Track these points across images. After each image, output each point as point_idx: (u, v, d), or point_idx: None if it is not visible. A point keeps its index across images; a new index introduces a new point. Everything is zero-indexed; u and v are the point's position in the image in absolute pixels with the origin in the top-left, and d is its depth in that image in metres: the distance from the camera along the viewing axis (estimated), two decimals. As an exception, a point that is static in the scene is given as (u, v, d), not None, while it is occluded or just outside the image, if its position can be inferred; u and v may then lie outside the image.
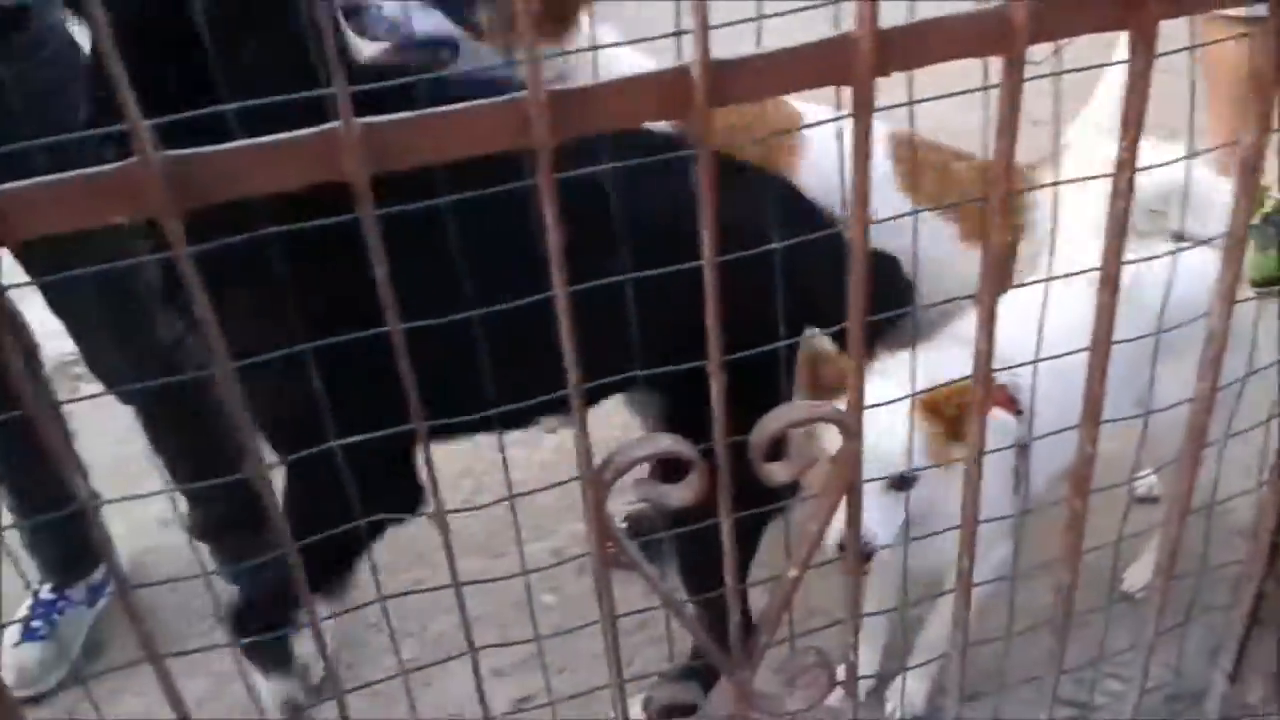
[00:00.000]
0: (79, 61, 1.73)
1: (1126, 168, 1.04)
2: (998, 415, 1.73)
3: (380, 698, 1.75)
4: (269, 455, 1.63)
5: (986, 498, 1.14)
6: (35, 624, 2.16)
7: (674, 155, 1.27)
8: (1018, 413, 1.73)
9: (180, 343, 1.91)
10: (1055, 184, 1.40)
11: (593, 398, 1.33)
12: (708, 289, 0.94)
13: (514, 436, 1.43)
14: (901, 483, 1.55)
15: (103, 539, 0.83)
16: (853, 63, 0.86)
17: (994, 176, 1.00)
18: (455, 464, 2.39)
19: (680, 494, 1.05)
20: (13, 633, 2.18)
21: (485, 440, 1.27)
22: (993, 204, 1.02)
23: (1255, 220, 3.06)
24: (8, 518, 2.16)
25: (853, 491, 1.13)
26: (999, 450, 1.37)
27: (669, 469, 1.04)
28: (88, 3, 0.61)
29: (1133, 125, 1.03)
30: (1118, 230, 1.12)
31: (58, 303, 1.94)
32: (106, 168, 0.65)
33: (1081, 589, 1.48)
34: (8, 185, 0.65)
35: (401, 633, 2.12)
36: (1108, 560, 1.59)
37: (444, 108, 0.77)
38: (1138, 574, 2.00)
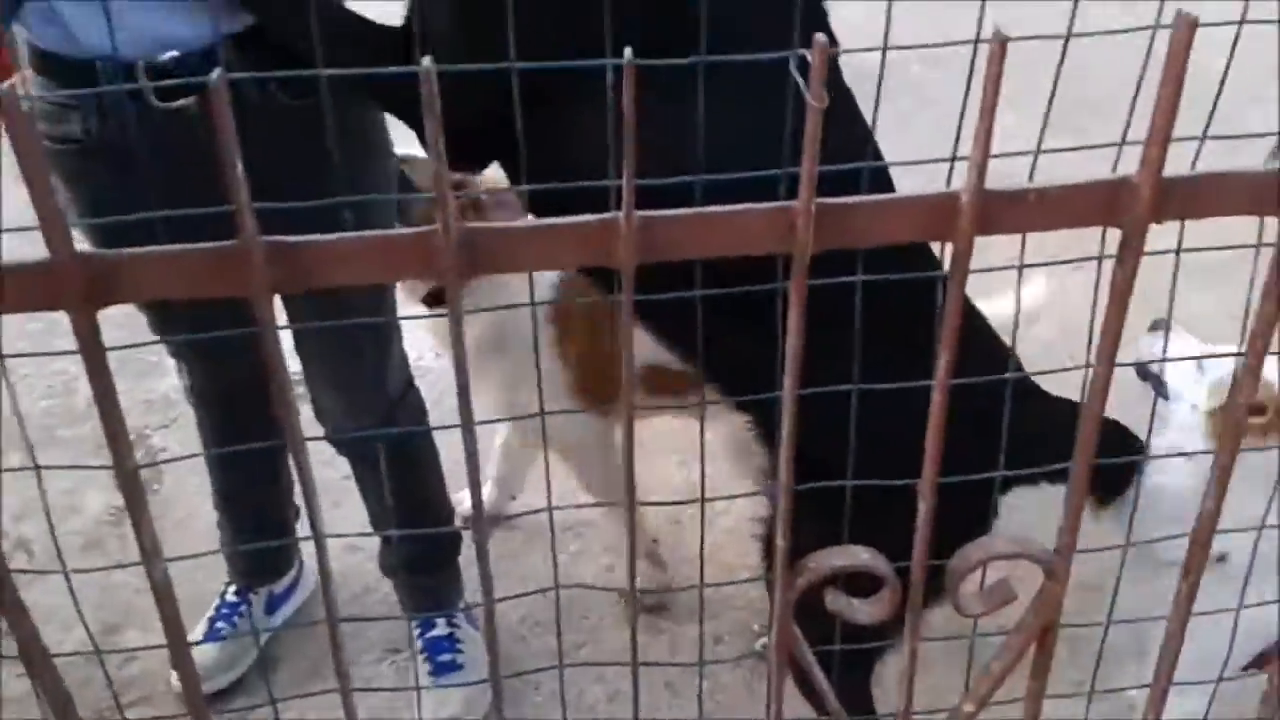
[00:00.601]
0: None
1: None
2: None
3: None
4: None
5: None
6: (218, 625, 2.25)
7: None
8: None
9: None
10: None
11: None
12: (934, 408, 0.93)
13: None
14: None
15: (325, 572, 0.86)
16: (1129, 205, 0.84)
17: None
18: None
19: (871, 610, 1.03)
20: (197, 630, 2.27)
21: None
22: None
23: None
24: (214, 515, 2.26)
25: (1048, 633, 1.09)
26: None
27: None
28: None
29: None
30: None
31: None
32: (405, 232, 0.69)
33: None
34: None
35: (553, 693, 2.14)
36: None
37: (713, 209, 0.79)
38: None
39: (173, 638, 0.86)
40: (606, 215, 0.75)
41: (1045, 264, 1.21)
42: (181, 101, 1.63)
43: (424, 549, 2.08)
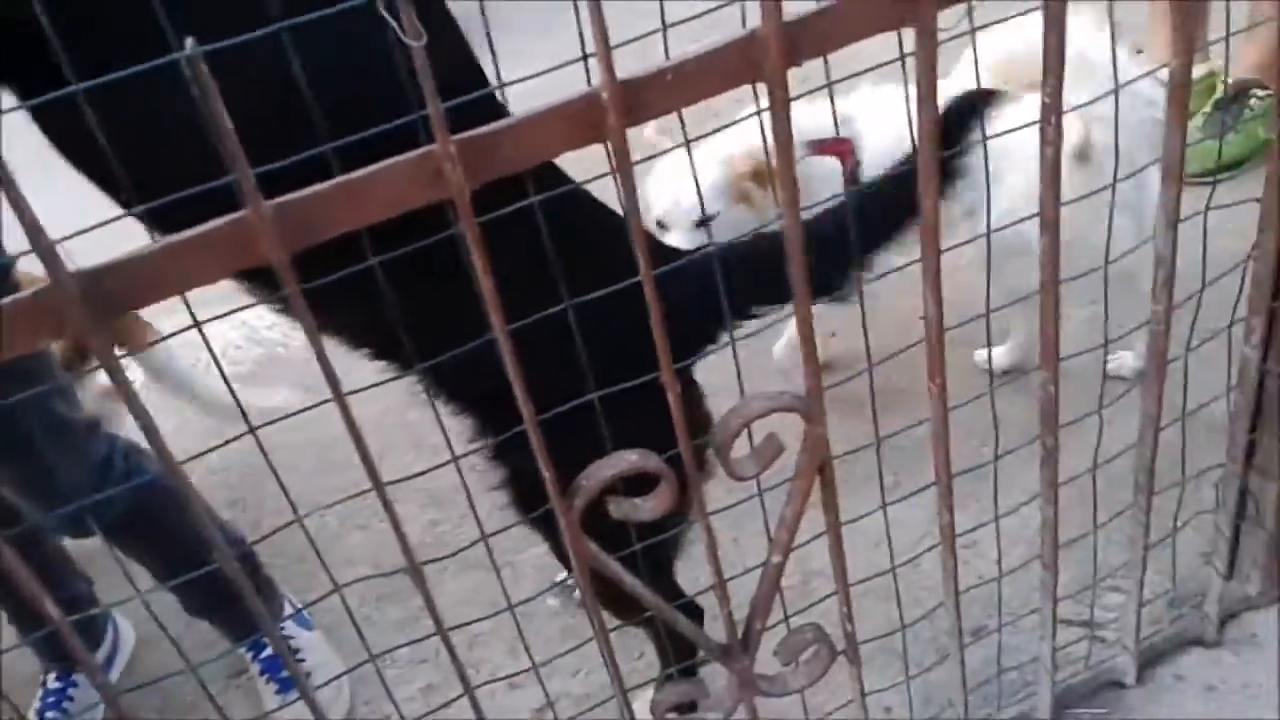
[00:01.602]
0: None
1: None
2: (825, 161, 2.17)
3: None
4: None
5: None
6: (49, 715, 2.15)
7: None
8: (855, 163, 2.17)
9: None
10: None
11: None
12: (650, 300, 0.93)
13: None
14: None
15: (88, 663, 0.82)
16: (763, 58, 0.85)
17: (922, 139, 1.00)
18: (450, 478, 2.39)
19: (652, 506, 1.05)
20: (30, 721, 2.16)
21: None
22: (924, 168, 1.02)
23: (1206, 109, 3.04)
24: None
25: (825, 471, 1.13)
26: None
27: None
28: None
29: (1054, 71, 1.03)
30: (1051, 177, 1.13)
31: None
32: (24, 295, 0.65)
33: (1067, 509, 1.50)
34: None
35: (414, 660, 2.13)
36: (1091, 478, 1.60)
37: (352, 176, 0.76)
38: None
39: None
40: (238, 215, 0.71)
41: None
42: None
43: (212, 590, 2.00)
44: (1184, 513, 1.81)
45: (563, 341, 1.14)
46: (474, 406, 1.41)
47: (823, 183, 2.11)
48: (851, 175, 2.20)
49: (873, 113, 2.20)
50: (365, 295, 1.03)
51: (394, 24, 0.74)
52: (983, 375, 2.40)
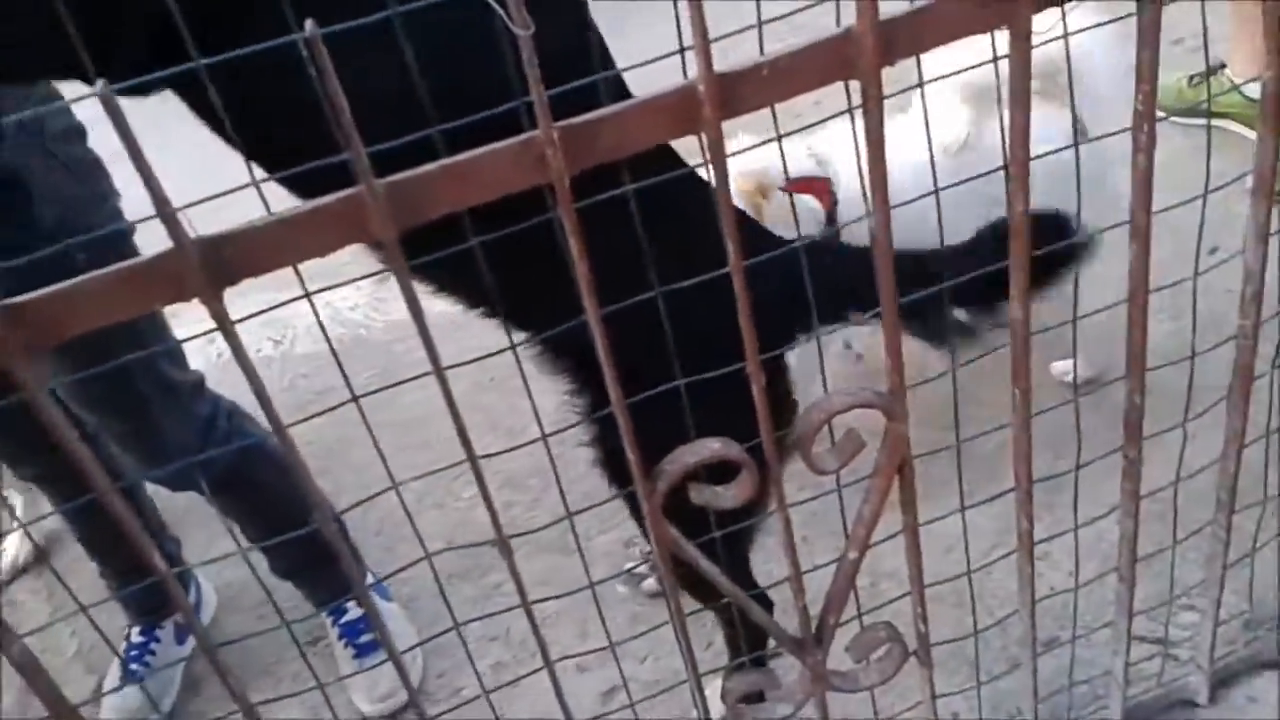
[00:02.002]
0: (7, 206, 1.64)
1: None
2: (802, 199, 2.15)
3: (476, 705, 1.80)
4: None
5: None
6: (133, 668, 2.22)
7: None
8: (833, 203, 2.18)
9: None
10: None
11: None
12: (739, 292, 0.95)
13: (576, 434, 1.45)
14: None
15: (186, 609, 0.86)
16: (858, 56, 0.86)
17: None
18: (524, 462, 2.43)
19: (733, 494, 1.07)
20: (112, 678, 2.24)
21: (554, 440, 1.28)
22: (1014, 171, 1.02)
23: None
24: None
25: (905, 470, 1.14)
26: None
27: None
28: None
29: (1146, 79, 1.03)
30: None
31: None
32: (149, 259, 0.68)
33: (1145, 523, 1.49)
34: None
35: (485, 637, 2.17)
36: (1170, 495, 1.59)
37: (458, 159, 0.78)
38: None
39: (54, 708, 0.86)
40: (351, 191, 0.74)
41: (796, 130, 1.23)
42: None
43: (304, 552, 2.06)
44: (1263, 533, 1.78)
45: (658, 323, 1.17)
46: (575, 366, 1.45)
47: (802, 221, 2.09)
48: (829, 215, 2.19)
49: (848, 152, 2.17)
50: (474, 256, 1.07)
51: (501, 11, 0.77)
52: (1057, 388, 2.37)
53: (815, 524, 2.05)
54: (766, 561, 1.73)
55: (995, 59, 1.19)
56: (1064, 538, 1.57)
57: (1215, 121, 2.81)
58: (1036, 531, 1.36)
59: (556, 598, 1.23)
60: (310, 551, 2.08)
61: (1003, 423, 1.20)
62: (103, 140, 1.93)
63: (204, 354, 2.47)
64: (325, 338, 1.12)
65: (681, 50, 0.96)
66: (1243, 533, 1.68)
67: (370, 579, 2.26)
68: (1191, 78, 3.08)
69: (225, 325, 0.76)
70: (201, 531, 2.50)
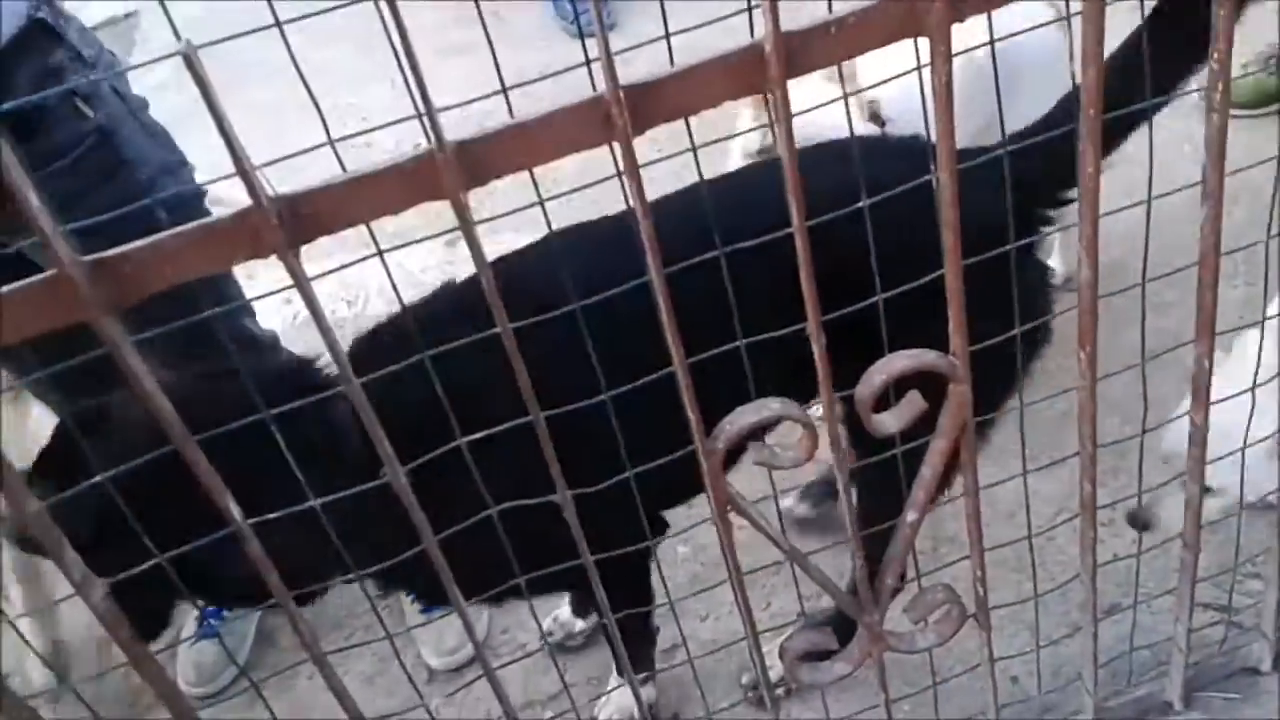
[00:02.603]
0: (109, 168, 1.71)
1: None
2: None
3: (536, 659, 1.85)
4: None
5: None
6: (209, 621, 2.28)
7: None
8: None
9: None
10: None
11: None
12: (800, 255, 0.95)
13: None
14: None
15: (260, 559, 0.89)
16: (926, 12, 0.86)
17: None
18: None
19: (791, 456, 1.07)
20: (188, 632, 2.30)
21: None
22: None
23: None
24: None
25: (966, 432, 1.14)
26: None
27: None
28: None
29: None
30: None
31: None
32: (228, 216, 0.70)
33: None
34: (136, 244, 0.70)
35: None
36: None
37: (528, 117, 0.79)
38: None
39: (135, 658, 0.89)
40: (423, 149, 0.76)
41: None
42: None
43: None
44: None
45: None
46: None
47: None
48: None
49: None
50: None
51: None
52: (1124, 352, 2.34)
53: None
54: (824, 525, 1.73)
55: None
56: (1130, 502, 1.56)
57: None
58: (1101, 497, 1.35)
59: (613, 555, 1.24)
60: None
61: (1069, 387, 1.20)
62: (170, 107, 1.97)
63: (280, 315, 2.51)
64: (398, 298, 1.14)
65: (750, 9, 0.96)
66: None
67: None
68: (1269, 61, 2.96)
69: (301, 282, 0.77)
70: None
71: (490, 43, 0.96)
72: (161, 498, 1.05)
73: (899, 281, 1.17)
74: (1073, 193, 1.38)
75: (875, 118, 2.14)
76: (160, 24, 4.03)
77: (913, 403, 1.10)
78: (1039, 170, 1.39)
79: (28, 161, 1.03)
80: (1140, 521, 1.66)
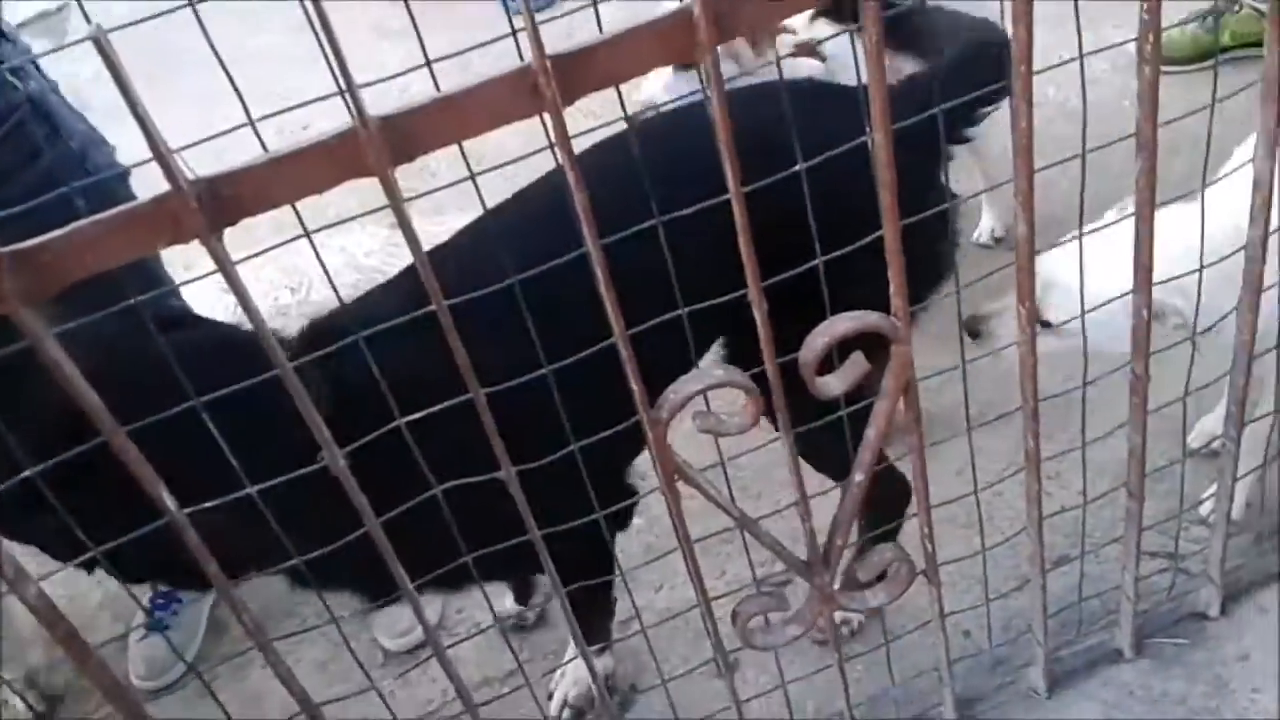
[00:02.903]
0: (42, 139, 1.68)
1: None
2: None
3: (491, 636, 1.84)
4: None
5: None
6: (158, 614, 2.24)
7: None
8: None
9: None
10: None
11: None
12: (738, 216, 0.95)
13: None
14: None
15: (199, 548, 0.87)
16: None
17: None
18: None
19: (737, 422, 1.07)
20: (137, 623, 2.26)
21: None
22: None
23: None
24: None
25: (909, 392, 1.14)
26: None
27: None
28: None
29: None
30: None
31: None
32: (147, 201, 0.69)
33: (1155, 440, 1.49)
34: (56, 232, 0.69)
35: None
36: (1179, 411, 1.59)
37: (455, 90, 0.78)
38: (1209, 425, 2.00)
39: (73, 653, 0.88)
40: (347, 127, 0.74)
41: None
42: None
43: None
44: (1274, 446, 1.78)
45: None
46: None
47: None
48: None
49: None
50: None
51: None
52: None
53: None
54: (773, 490, 1.74)
55: None
56: (1075, 457, 1.58)
57: (1235, 54, 2.76)
58: (1046, 451, 1.37)
59: (565, 528, 1.24)
60: None
61: (1009, 343, 1.21)
62: (103, 100, 1.93)
63: (222, 304, 2.47)
64: (331, 284, 1.12)
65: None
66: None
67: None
68: (1204, 18, 2.97)
69: (225, 266, 0.76)
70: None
71: (414, 21, 0.94)
72: (87, 484, 1.03)
73: (833, 219, 1.14)
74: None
75: (814, 53, 2.17)
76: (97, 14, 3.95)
77: (857, 364, 1.11)
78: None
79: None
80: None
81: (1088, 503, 1.60)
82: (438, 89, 0.79)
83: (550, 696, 1.90)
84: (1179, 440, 1.89)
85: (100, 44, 0.64)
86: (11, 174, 1.62)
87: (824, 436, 1.29)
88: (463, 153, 0.88)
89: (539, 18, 0.76)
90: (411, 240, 0.82)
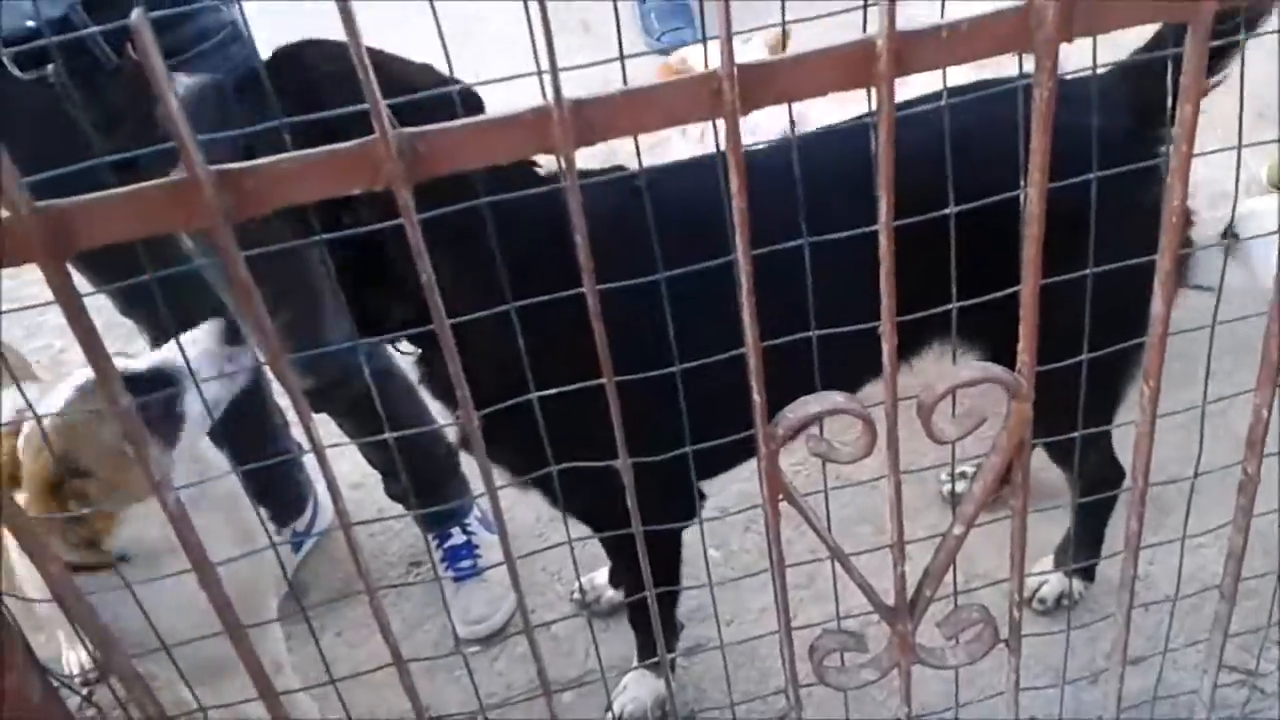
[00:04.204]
0: (244, 58, 1.79)
1: None
2: None
3: (559, 641, 1.86)
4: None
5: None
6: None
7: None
8: None
9: None
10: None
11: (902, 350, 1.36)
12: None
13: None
14: None
15: (330, 479, 0.92)
16: (1038, 27, 0.88)
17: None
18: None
19: (850, 451, 1.09)
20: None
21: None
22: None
23: None
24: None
25: (1023, 451, 1.15)
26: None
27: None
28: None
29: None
30: None
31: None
32: (350, 145, 0.73)
33: (1251, 554, 1.47)
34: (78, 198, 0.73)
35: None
36: (1274, 524, 1.56)
37: (641, 85, 0.82)
38: None
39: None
40: (540, 105, 0.78)
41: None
42: (41, 71, 1.69)
43: (419, 477, 2.14)
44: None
45: None
46: None
47: None
48: None
49: None
50: None
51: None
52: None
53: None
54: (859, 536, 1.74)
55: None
56: (1164, 553, 1.56)
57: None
58: (1146, 539, 1.36)
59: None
60: (423, 475, 2.17)
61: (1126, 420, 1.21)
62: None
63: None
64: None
65: (865, 6, 0.98)
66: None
67: (476, 513, 2.34)
68: None
69: (409, 216, 0.80)
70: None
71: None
72: None
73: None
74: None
75: None
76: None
77: (973, 414, 1.12)
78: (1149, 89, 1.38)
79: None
80: None
81: (1177, 599, 1.59)
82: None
83: (609, 708, 1.92)
84: (1273, 554, 1.86)
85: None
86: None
87: None
88: (637, 148, 0.91)
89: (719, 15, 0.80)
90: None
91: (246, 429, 2.18)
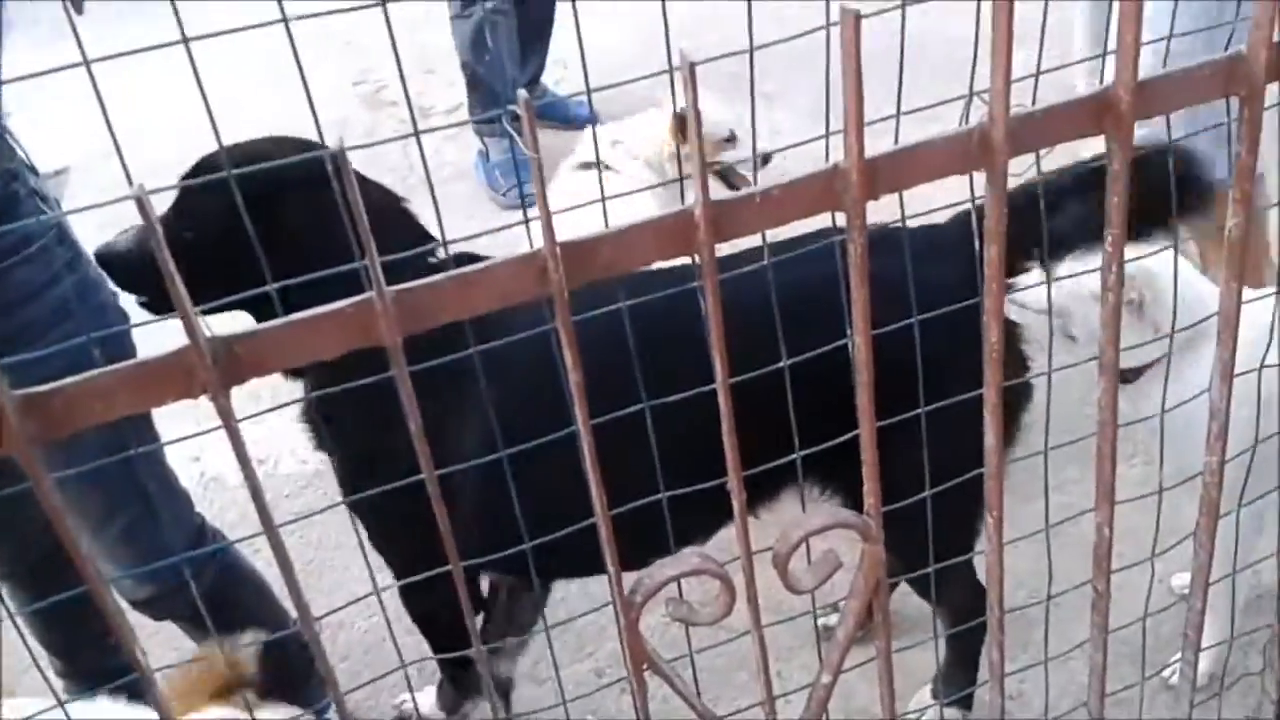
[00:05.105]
0: (68, 259, 1.78)
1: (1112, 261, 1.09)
2: None
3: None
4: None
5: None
6: None
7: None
8: None
9: None
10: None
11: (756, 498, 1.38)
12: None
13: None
14: None
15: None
16: (844, 189, 0.92)
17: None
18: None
19: (711, 611, 1.08)
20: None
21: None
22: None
23: None
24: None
25: (880, 592, 1.15)
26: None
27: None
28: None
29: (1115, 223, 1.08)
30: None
31: None
32: (163, 355, 0.71)
33: (1117, 664, 1.50)
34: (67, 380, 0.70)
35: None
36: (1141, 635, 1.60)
37: (467, 270, 0.82)
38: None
39: None
40: (364, 298, 0.78)
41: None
42: None
43: (275, 673, 2.04)
44: (1229, 675, 1.79)
45: None
46: None
47: None
48: None
49: None
50: None
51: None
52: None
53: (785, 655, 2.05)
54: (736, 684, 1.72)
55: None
56: (1037, 679, 1.58)
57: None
58: (1009, 667, 1.37)
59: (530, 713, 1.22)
60: (281, 673, 2.06)
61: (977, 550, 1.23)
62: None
63: (187, 472, 2.48)
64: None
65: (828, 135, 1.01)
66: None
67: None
68: None
69: (229, 422, 0.77)
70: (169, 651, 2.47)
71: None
72: None
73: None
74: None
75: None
76: (88, 184, 4.08)
77: (828, 560, 1.12)
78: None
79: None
80: None
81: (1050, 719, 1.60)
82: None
83: None
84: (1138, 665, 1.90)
85: (142, 204, 0.68)
86: (37, 294, 1.71)
87: None
88: (467, 328, 0.91)
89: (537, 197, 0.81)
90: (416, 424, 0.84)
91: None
